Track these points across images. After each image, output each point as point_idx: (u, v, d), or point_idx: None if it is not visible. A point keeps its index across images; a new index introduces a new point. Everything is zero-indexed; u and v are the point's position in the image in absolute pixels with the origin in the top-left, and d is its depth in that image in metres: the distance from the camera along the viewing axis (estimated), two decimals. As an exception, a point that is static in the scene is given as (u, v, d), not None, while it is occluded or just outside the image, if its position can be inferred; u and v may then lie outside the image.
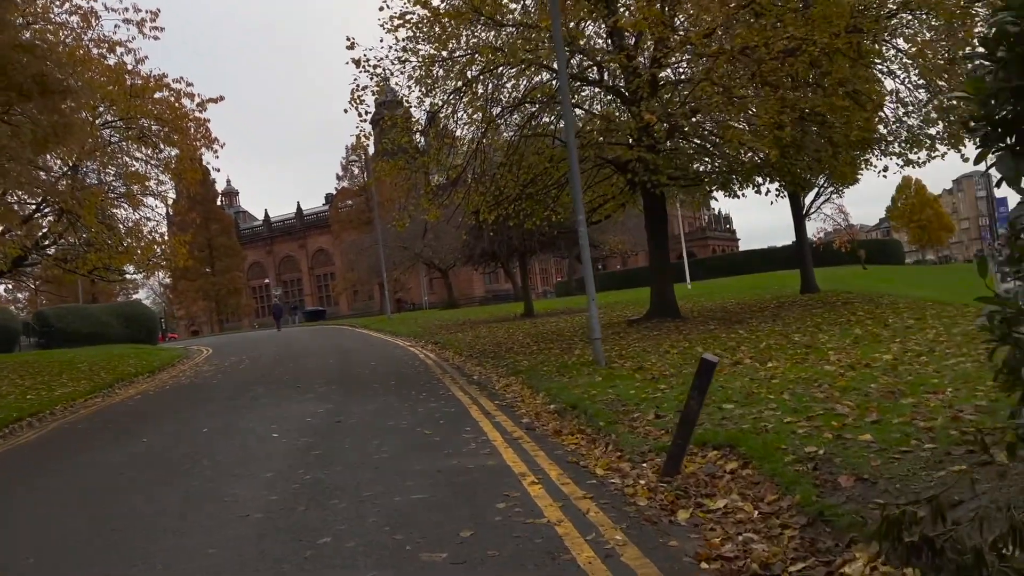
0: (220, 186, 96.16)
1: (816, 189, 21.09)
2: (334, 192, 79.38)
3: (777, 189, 18.47)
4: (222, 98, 23.59)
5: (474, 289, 74.72)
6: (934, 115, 14.78)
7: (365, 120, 15.65)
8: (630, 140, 15.64)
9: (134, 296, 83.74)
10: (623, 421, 7.07)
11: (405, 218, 16.55)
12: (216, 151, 24.26)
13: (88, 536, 5.64)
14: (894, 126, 16.17)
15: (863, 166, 16.68)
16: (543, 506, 5.21)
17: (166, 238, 25.71)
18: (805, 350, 9.37)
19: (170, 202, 26.06)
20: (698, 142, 15.51)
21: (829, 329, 11.34)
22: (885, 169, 16.44)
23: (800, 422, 5.80)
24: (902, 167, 16.18)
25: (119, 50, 21.17)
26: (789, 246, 78.83)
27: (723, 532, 4.48)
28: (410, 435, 8.17)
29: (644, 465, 5.90)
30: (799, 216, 21.57)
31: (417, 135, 16.96)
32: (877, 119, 15.28)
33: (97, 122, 21.40)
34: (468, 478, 6.12)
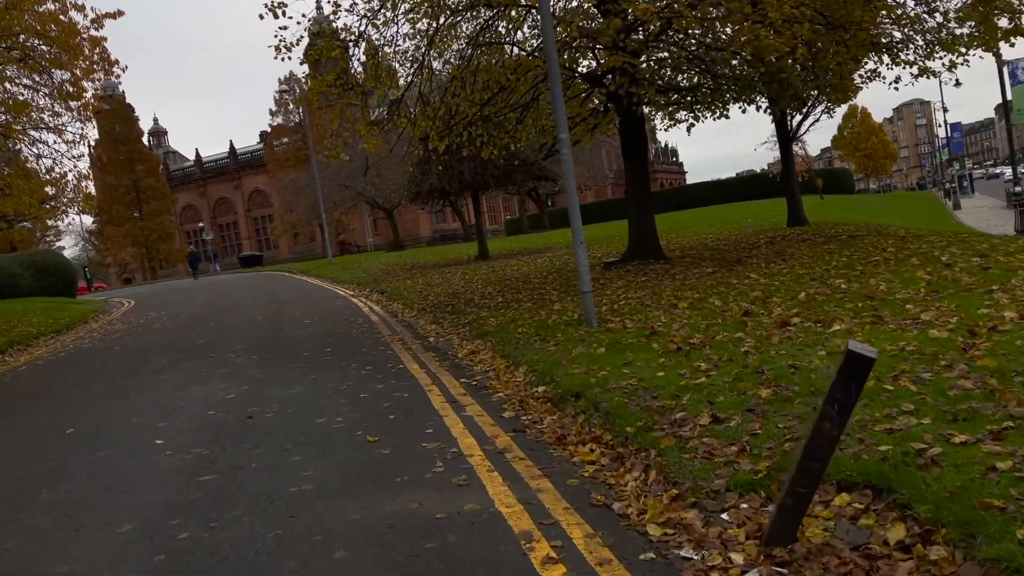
0: (146, 124, 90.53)
1: (805, 109, 18.82)
2: (268, 130, 74.81)
3: (769, 107, 16.18)
4: (121, 13, 20.11)
5: (420, 229, 71.75)
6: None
7: (285, 28, 12.75)
8: (599, 47, 13.11)
9: (57, 244, 79.01)
10: (662, 426, 4.75)
11: (339, 147, 13.79)
12: (118, 75, 20.97)
13: None
14: (906, 29, 13.87)
15: (870, 78, 14.45)
16: (581, 628, 2.89)
17: (69, 179, 22.32)
18: (869, 304, 7.14)
19: (70, 137, 22.58)
20: (690, 49, 13.00)
21: (876, 272, 9.16)
22: (897, 80, 14.24)
23: (985, 443, 3.54)
24: (916, 77, 13.99)
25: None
26: (735, 179, 77.19)
27: None
28: (346, 444, 5.75)
29: (725, 518, 3.60)
30: (786, 140, 19.32)
31: (351, 48, 14.09)
32: (895, 16, 12.95)
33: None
34: (439, 544, 3.74)
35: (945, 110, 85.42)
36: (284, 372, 9.16)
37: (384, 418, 6.37)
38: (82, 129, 22.49)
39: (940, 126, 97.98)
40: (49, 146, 23.96)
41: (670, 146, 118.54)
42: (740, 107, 15.79)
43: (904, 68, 13.95)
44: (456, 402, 6.70)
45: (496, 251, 29.23)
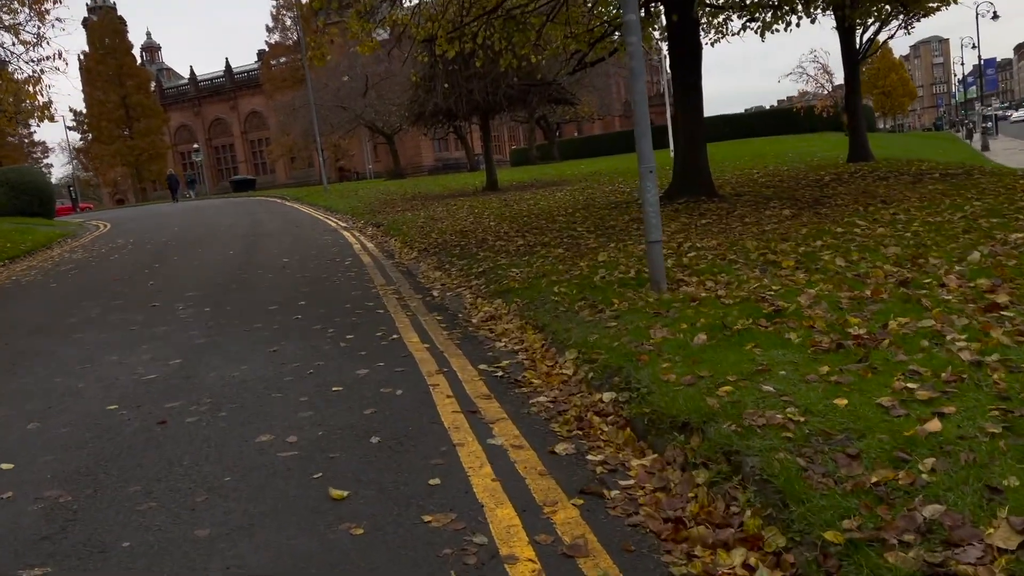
0: (138, 38, 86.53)
1: (880, 20, 15.92)
2: (265, 48, 70.85)
3: (839, 15, 13.43)
4: None
5: (422, 157, 68.59)
6: None
7: None
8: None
9: (44, 161, 75.95)
10: (899, 532, 2.36)
11: (324, 46, 11.12)
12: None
13: None
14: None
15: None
16: None
17: (23, 85, 19.48)
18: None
19: (28, 38, 19.69)
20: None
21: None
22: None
23: None
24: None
25: None
26: (750, 113, 73.17)
27: None
28: (295, 501, 3.38)
29: None
30: (852, 60, 16.52)
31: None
32: None
33: None
34: None
35: (974, 46, 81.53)
36: (237, 337, 6.78)
37: (363, 442, 4.00)
38: (38, 28, 19.68)
39: (961, 64, 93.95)
40: (5, 48, 21.18)
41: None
42: (811, 16, 13.07)
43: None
44: (476, 412, 4.32)
45: (505, 182, 26.60)
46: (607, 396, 4.26)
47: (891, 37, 18.36)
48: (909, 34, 17.98)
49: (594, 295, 6.35)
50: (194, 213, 28.25)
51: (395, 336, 6.32)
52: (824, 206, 9.92)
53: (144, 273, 11.95)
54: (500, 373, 5.09)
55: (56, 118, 25.36)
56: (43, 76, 17.85)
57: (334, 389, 4.96)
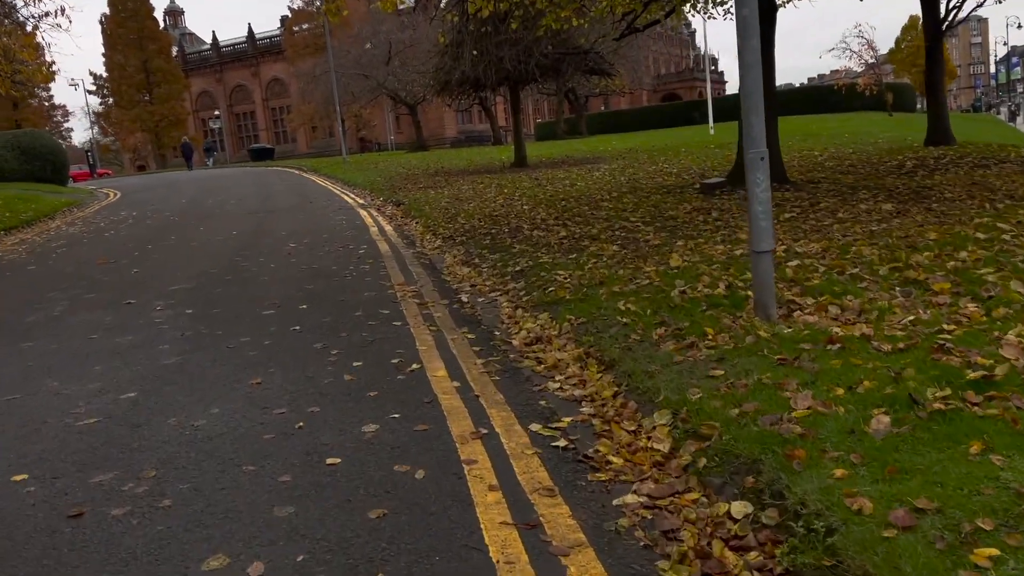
0: (161, 2, 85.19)
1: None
2: (288, 14, 69.17)
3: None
4: None
5: (445, 129, 66.90)
6: None
7: None
8: None
9: (65, 126, 74.82)
10: None
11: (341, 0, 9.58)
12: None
13: None
14: None
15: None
16: None
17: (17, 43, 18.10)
18: None
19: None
20: None
21: None
22: None
23: None
24: None
25: None
26: (782, 90, 70.28)
27: None
28: None
29: None
30: (936, 29, 14.67)
31: None
32: None
33: None
34: None
35: (1020, 26, 78.62)
36: (215, 356, 5.34)
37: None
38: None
39: (1005, 44, 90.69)
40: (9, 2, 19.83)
41: (709, 53, 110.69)
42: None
43: None
44: (535, 527, 2.85)
45: (533, 158, 24.93)
46: (738, 509, 2.77)
47: (981, 4, 16.29)
48: (1000, 2, 16.15)
49: (676, 318, 4.84)
50: (207, 183, 26.92)
51: (416, 366, 4.84)
52: (931, 199, 8.30)
53: (133, 256, 10.56)
54: (562, 442, 3.61)
55: (57, 79, 23.99)
56: (39, 33, 16.43)
57: (329, 462, 3.50)
